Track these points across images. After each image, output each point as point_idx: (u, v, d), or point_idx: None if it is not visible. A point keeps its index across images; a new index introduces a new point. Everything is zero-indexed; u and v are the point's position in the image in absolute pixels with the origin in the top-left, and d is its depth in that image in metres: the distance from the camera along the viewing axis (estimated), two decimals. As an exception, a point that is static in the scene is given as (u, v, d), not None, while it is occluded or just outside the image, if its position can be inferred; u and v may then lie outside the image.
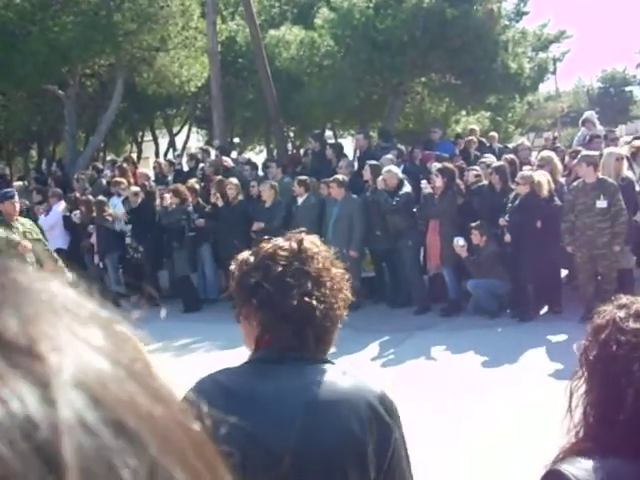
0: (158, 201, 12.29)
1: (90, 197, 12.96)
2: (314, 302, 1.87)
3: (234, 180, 11.72)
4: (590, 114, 13.90)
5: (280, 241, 1.98)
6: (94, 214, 12.45)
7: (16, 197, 8.64)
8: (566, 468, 1.54)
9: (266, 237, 2.06)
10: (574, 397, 1.64)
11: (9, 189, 10.28)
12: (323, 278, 1.92)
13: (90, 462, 0.35)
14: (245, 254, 2.00)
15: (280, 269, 1.90)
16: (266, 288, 1.89)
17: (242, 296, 1.96)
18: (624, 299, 1.71)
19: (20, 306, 0.39)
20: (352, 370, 1.97)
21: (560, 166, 10.50)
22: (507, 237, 9.46)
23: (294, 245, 1.96)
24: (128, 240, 12.61)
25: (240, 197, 11.53)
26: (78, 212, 12.81)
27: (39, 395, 0.35)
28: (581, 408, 1.62)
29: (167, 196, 11.75)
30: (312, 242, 2.00)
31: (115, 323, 0.45)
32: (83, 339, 0.40)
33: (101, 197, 12.90)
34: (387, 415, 1.91)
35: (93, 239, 12.60)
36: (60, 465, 0.34)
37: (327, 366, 1.94)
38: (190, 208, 11.66)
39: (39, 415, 0.34)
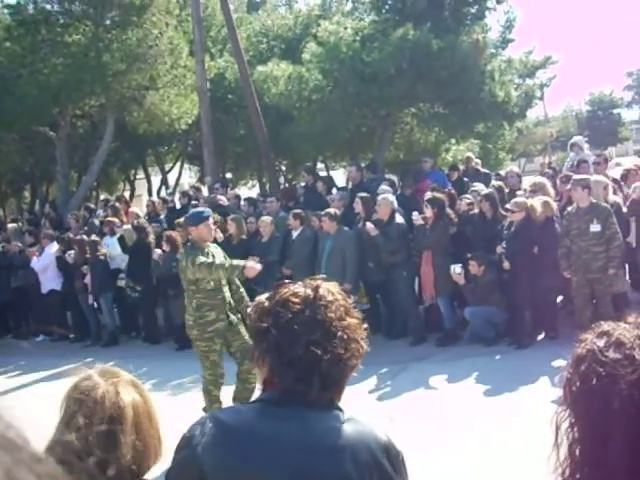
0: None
1: (84, 237, 12.96)
2: (319, 351, 1.86)
3: (237, 217, 11.79)
4: (578, 139, 14.00)
5: (298, 286, 1.97)
6: (88, 254, 12.45)
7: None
8: None
9: (287, 281, 2.05)
10: (560, 431, 1.56)
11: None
12: (334, 328, 1.90)
13: None
14: (262, 297, 2.01)
15: (290, 316, 1.90)
16: (274, 334, 1.90)
17: (254, 339, 1.99)
18: (605, 326, 1.59)
19: None
20: (360, 418, 1.95)
21: (552, 191, 10.56)
22: (506, 264, 9.46)
23: (309, 292, 1.95)
24: (123, 281, 12.61)
25: (243, 236, 11.54)
26: (72, 252, 12.81)
27: None
28: (566, 444, 1.54)
29: (157, 251, 11.74)
30: (329, 290, 1.97)
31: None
32: None
33: (94, 237, 12.92)
34: (390, 465, 1.89)
35: (87, 279, 12.59)
36: None
37: (332, 412, 1.92)
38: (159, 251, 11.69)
39: None
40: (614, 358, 1.49)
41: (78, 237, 13.09)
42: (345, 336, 1.91)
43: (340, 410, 1.94)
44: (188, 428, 1.91)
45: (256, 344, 1.97)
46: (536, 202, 9.44)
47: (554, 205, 9.67)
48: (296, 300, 1.92)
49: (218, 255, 7.36)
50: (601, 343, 1.54)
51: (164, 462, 2.07)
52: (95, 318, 12.95)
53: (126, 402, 2.06)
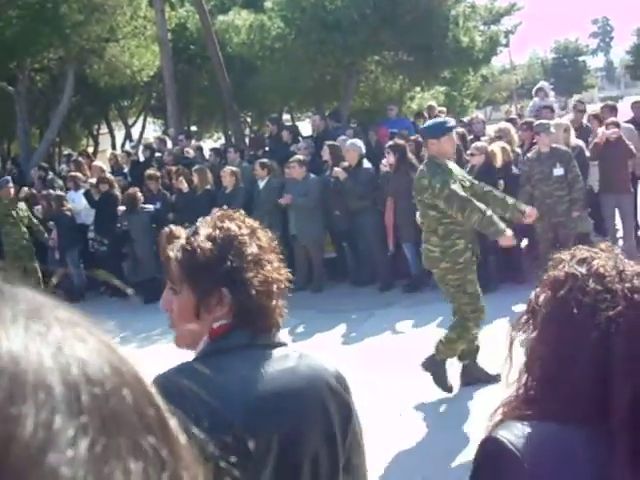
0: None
1: (50, 191, 12.81)
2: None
3: (201, 168, 11.70)
4: (544, 84, 14.02)
5: (230, 224, 1.88)
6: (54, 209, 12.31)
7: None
8: (503, 435, 1.48)
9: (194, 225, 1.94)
10: (513, 345, 1.57)
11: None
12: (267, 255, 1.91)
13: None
14: (202, 243, 1.88)
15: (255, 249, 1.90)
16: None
17: (210, 285, 1.90)
18: (584, 252, 1.58)
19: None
20: (305, 352, 1.94)
21: (517, 137, 10.58)
22: None
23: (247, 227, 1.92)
24: (91, 234, 12.51)
25: (208, 186, 11.44)
26: (40, 207, 12.67)
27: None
28: (525, 360, 1.56)
29: (121, 208, 11.71)
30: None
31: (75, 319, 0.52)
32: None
33: (59, 192, 12.77)
34: (345, 393, 1.91)
35: (53, 235, 12.46)
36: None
37: (285, 349, 1.91)
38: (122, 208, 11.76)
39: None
40: (596, 289, 1.49)
41: (44, 192, 12.92)
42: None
43: (286, 345, 1.94)
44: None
45: (210, 291, 1.85)
46: (496, 147, 9.48)
47: (511, 149, 9.70)
48: (244, 236, 1.87)
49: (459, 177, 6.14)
50: (582, 270, 1.53)
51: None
52: (64, 274, 12.82)
53: None
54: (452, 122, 6.59)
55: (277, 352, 1.88)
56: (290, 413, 1.80)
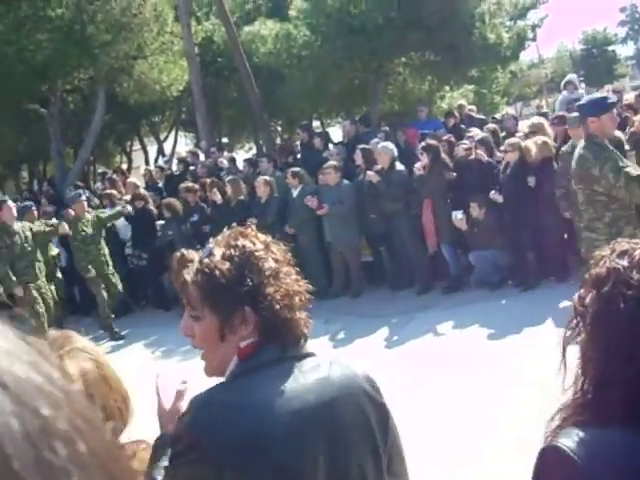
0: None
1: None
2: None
3: (234, 179, 11.74)
4: (573, 77, 13.86)
5: (244, 241, 1.84)
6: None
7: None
8: (564, 443, 1.42)
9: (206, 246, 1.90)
10: (567, 350, 1.53)
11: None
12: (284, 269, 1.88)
13: None
14: (213, 244, 1.88)
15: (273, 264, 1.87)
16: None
17: (232, 304, 1.85)
18: (624, 244, 1.54)
19: None
20: (335, 358, 1.90)
21: (551, 131, 10.43)
22: (499, 198, 9.44)
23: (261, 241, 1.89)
24: (129, 250, 12.60)
25: (242, 197, 11.47)
26: None
27: None
28: (579, 364, 1.51)
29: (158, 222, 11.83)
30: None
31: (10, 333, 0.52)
32: None
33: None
34: (378, 395, 1.89)
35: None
36: None
37: (317, 359, 1.87)
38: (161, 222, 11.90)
39: None
40: None
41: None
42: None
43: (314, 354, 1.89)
44: (187, 422, 1.73)
45: (234, 310, 1.81)
46: (530, 142, 9.36)
47: (552, 144, 9.54)
48: (260, 253, 1.83)
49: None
50: (624, 263, 1.48)
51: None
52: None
53: (71, 374, 1.87)
54: (614, 98, 6.24)
55: (308, 363, 1.84)
56: (331, 425, 1.77)
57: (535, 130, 10.11)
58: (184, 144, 28.78)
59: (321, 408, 1.77)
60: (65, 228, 10.78)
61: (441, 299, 9.80)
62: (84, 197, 12.01)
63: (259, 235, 1.89)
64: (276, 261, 1.84)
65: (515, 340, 7.57)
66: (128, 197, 12.83)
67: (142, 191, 12.94)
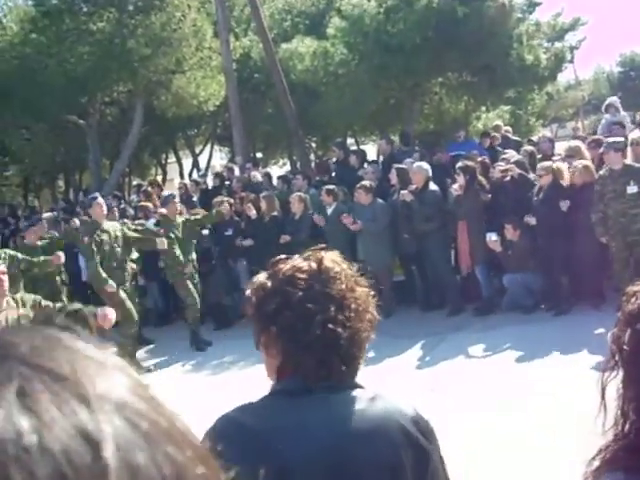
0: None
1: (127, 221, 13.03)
2: (339, 329, 1.74)
3: (269, 195, 11.77)
4: (614, 100, 13.69)
5: (298, 261, 1.83)
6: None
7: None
8: None
9: (283, 256, 1.90)
10: (606, 390, 1.48)
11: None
12: (347, 300, 1.78)
13: (125, 455, 0.46)
14: (262, 277, 1.85)
15: (301, 294, 1.76)
16: (286, 315, 1.76)
17: (261, 323, 1.82)
18: None
19: (67, 357, 0.50)
20: (382, 394, 1.83)
21: (588, 155, 10.34)
22: (533, 220, 9.40)
23: (314, 265, 1.81)
24: (161, 263, 12.65)
25: (275, 212, 11.50)
26: None
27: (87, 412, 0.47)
28: (618, 404, 1.46)
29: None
30: (333, 260, 1.84)
31: (131, 370, 0.55)
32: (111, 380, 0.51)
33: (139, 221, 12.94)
34: (422, 437, 1.79)
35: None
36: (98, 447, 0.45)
37: (355, 392, 1.80)
38: (206, 232, 11.84)
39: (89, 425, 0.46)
40: None
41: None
42: (359, 307, 1.80)
43: (361, 387, 1.83)
44: (205, 436, 1.72)
45: (262, 329, 1.81)
46: (562, 165, 9.31)
47: (593, 169, 9.42)
48: (302, 275, 1.78)
49: None
50: None
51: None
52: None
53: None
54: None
55: (346, 395, 1.79)
56: (346, 460, 1.72)
57: (572, 154, 10.05)
58: (219, 158, 29.01)
59: (343, 441, 1.72)
60: (164, 244, 10.12)
61: (472, 321, 9.74)
62: (177, 199, 11.76)
63: (321, 260, 1.85)
64: (311, 289, 1.79)
65: (546, 365, 7.49)
66: (163, 210, 12.91)
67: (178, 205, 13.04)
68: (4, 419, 0.44)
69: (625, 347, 1.46)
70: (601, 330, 7.92)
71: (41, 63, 17.99)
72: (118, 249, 9.72)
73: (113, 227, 9.85)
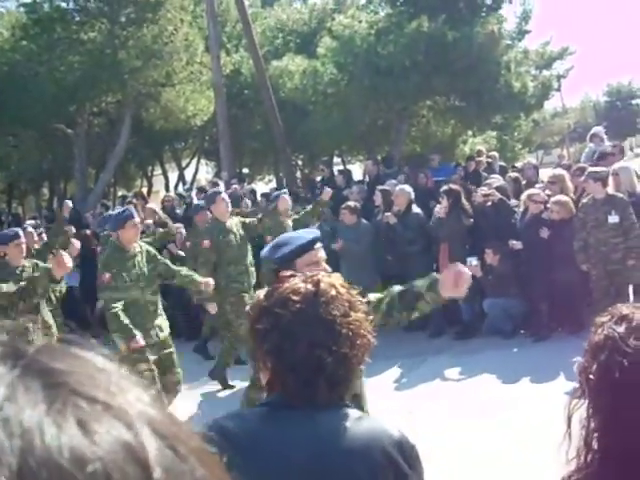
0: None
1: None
2: (324, 353, 1.77)
3: (255, 211, 11.76)
4: (598, 129, 13.82)
5: (297, 282, 1.87)
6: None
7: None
8: None
9: (287, 274, 1.95)
10: (572, 419, 1.48)
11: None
12: (339, 326, 1.81)
13: (165, 469, 0.48)
14: (261, 294, 1.95)
15: (290, 317, 1.79)
16: (275, 335, 1.80)
17: (255, 339, 1.88)
18: (623, 308, 1.49)
19: (104, 380, 0.52)
20: (368, 416, 1.90)
21: (571, 184, 10.42)
22: (517, 244, 9.46)
23: (310, 288, 1.84)
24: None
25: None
26: (100, 248, 12.88)
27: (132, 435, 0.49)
28: (582, 434, 1.46)
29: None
30: (331, 284, 1.87)
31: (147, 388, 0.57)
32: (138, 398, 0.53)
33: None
34: (404, 462, 1.80)
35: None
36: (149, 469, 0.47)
37: (342, 412, 1.83)
38: None
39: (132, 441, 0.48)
40: (637, 346, 1.40)
41: (107, 232, 13.13)
42: (350, 333, 1.81)
43: (349, 407, 1.86)
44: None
45: (257, 345, 1.87)
46: (544, 194, 9.42)
47: (571, 206, 9.49)
48: (296, 298, 1.82)
49: None
50: (621, 329, 1.44)
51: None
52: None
53: None
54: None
55: (331, 414, 1.83)
56: (328, 475, 1.76)
57: (555, 181, 10.13)
58: (205, 172, 29.03)
59: (318, 458, 1.75)
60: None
61: (453, 344, 9.77)
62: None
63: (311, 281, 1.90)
64: (299, 309, 1.84)
65: (524, 390, 7.53)
66: (149, 221, 12.89)
67: (162, 215, 13.02)
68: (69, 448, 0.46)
69: (591, 377, 1.47)
70: (579, 357, 7.97)
71: (31, 70, 18.00)
72: (243, 249, 8.60)
73: (236, 225, 8.59)
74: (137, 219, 7.25)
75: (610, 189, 9.00)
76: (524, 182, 11.31)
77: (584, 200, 9.16)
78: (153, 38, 18.24)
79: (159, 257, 7.41)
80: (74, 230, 13.43)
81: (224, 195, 8.79)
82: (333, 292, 1.85)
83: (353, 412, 1.86)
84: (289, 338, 1.79)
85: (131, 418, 0.50)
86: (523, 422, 6.55)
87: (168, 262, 7.65)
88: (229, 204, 8.67)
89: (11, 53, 18.74)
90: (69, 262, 5.88)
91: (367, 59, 16.47)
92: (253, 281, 8.59)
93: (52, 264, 5.96)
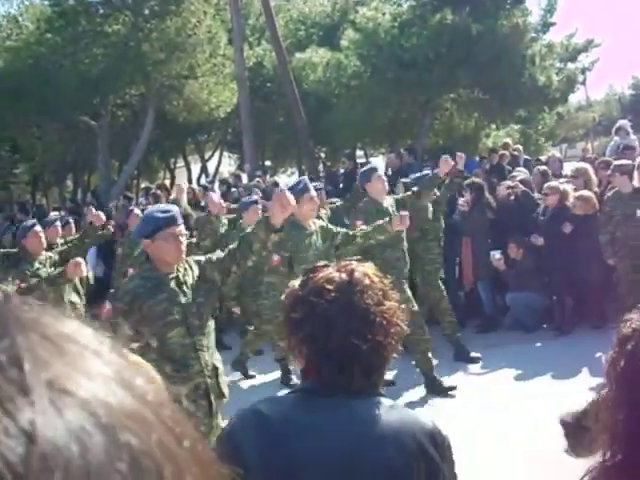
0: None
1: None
2: (359, 341, 1.80)
3: None
4: (624, 122, 13.68)
5: (331, 271, 1.90)
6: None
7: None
8: None
9: (322, 264, 1.98)
10: (601, 412, 1.51)
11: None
12: (373, 314, 1.83)
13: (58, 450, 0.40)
14: (295, 284, 1.95)
15: (325, 305, 1.83)
16: (310, 324, 1.84)
17: (289, 328, 1.92)
18: None
19: (15, 335, 0.44)
20: (401, 405, 1.92)
21: (595, 178, 10.33)
22: (540, 240, 9.40)
23: (344, 277, 1.87)
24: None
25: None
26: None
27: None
28: (610, 424, 1.48)
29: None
30: (365, 273, 1.90)
31: (126, 354, 0.49)
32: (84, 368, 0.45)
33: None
34: (436, 452, 1.83)
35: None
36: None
37: (375, 399, 1.86)
38: None
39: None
40: None
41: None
42: (384, 321, 1.84)
43: (383, 396, 1.89)
44: (228, 422, 1.91)
45: (291, 333, 1.91)
46: (568, 187, 9.32)
47: (595, 201, 9.40)
48: (330, 287, 1.84)
49: None
50: None
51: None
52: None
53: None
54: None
55: (364, 401, 1.86)
56: (357, 463, 1.78)
57: (578, 175, 10.04)
58: (227, 164, 29.07)
59: (351, 445, 1.78)
60: None
61: (474, 338, 9.72)
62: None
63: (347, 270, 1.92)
64: (334, 298, 1.86)
65: (546, 385, 7.49)
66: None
67: (186, 207, 13.07)
68: None
69: (618, 369, 1.49)
70: (601, 351, 7.92)
71: (55, 63, 18.11)
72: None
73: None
74: (314, 192, 6.49)
75: (636, 182, 8.90)
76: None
77: (609, 194, 9.07)
78: (176, 30, 18.30)
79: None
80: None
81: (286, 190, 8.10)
82: (367, 281, 1.87)
83: (386, 401, 1.88)
84: (324, 326, 1.82)
85: (32, 384, 0.42)
86: (545, 416, 6.52)
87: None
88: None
89: (36, 46, 18.87)
90: (84, 269, 5.92)
91: (390, 51, 16.43)
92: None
93: (68, 266, 5.91)
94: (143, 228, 4.19)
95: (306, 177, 7.02)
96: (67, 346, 0.45)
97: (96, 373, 0.45)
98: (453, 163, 8.12)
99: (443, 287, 9.12)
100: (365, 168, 8.12)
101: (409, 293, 7.73)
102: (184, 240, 4.18)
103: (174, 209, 4.23)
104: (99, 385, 0.44)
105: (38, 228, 7.60)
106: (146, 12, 18.93)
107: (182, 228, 4.18)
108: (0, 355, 0.43)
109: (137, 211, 9.33)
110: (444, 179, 8.49)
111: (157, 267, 4.13)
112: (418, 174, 9.05)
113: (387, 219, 6.35)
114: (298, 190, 6.03)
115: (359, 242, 6.23)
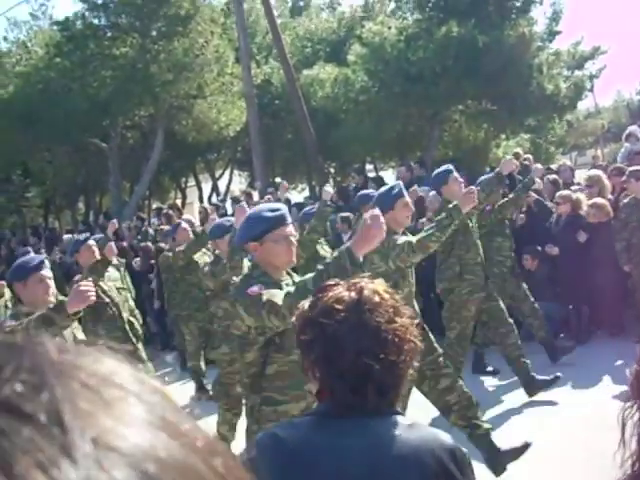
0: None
1: (149, 244, 13.10)
2: (371, 360, 1.77)
3: None
4: (634, 129, 13.62)
5: (340, 290, 1.88)
6: (153, 261, 12.52)
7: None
8: None
9: (331, 282, 1.95)
10: (627, 426, 1.45)
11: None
12: (384, 332, 1.81)
13: None
14: (305, 305, 1.92)
15: (335, 326, 1.80)
16: (321, 345, 1.82)
17: (301, 350, 1.90)
18: None
19: (54, 386, 0.41)
20: (419, 423, 1.89)
21: (609, 185, 10.27)
22: (555, 250, 9.35)
23: (353, 296, 1.85)
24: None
25: None
26: (138, 259, 12.98)
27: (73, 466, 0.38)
28: (636, 438, 1.44)
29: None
30: (374, 291, 1.87)
31: (167, 397, 0.47)
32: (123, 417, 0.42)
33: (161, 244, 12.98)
34: (456, 469, 1.81)
35: (153, 285, 12.68)
36: None
37: (392, 419, 1.84)
38: None
39: None
40: None
41: (144, 244, 13.24)
42: (396, 339, 1.81)
43: (400, 414, 1.87)
44: (244, 449, 1.91)
45: (304, 355, 1.89)
46: (581, 195, 9.27)
47: (609, 209, 9.34)
48: (340, 307, 1.82)
49: None
50: None
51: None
52: (162, 322, 12.93)
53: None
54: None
55: (382, 421, 1.84)
56: (379, 479, 1.77)
57: (592, 183, 9.98)
58: (238, 182, 29.14)
59: (372, 466, 1.76)
60: None
61: (490, 350, 9.67)
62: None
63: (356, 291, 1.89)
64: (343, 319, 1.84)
65: (565, 394, 7.44)
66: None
67: (195, 228, 13.08)
68: None
69: None
70: (620, 359, 7.88)
71: (64, 87, 18.26)
72: None
73: None
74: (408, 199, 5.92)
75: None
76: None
77: (625, 200, 9.03)
78: (184, 51, 18.42)
79: None
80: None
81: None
82: (377, 299, 1.85)
83: (403, 419, 1.86)
84: (335, 347, 1.80)
85: (75, 444, 0.39)
86: (565, 426, 6.47)
87: None
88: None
89: (45, 71, 19.03)
90: (89, 297, 4.37)
91: (397, 65, 16.47)
92: None
93: (70, 296, 4.54)
94: (250, 230, 3.69)
95: (401, 182, 6.48)
96: (108, 392, 0.43)
97: (141, 422, 0.42)
98: (517, 163, 7.76)
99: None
100: (439, 170, 7.68)
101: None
102: (295, 241, 3.80)
103: (283, 208, 3.82)
104: (146, 437, 0.42)
105: (91, 242, 7.52)
106: (153, 34, 19.07)
107: (292, 228, 3.78)
108: (39, 412, 0.40)
109: (185, 225, 9.46)
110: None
111: (267, 273, 3.64)
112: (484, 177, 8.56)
113: (455, 202, 5.77)
114: (392, 196, 5.66)
115: (437, 235, 5.45)
